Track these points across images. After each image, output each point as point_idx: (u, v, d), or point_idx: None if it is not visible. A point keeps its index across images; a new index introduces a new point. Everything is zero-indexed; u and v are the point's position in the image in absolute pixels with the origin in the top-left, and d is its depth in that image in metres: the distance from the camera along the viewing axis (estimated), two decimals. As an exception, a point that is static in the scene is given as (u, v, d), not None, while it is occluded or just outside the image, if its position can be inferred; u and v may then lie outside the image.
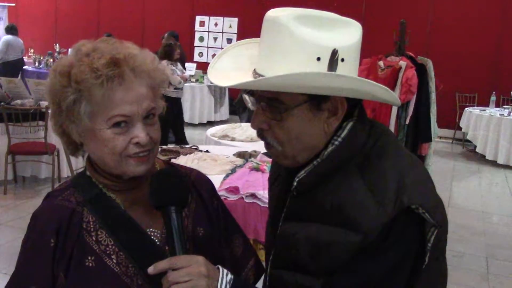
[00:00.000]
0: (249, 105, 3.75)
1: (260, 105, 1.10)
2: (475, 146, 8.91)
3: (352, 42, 1.05)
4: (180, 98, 7.76)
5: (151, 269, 1.00)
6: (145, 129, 1.09)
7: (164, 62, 7.25)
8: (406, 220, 1.02)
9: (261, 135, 1.13)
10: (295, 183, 1.14)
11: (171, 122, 7.52)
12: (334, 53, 1.02)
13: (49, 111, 1.14)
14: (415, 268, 1.06)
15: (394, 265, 1.04)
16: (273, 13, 1.05)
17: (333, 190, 1.08)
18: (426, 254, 1.05)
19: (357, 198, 1.04)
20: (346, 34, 1.05)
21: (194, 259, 1.01)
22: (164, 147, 4.16)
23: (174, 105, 7.52)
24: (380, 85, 1.05)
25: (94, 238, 1.11)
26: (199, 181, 1.30)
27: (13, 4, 13.29)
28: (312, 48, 1.01)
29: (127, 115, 1.07)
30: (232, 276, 1.05)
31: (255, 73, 1.08)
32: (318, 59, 1.01)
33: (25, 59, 11.92)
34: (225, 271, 1.05)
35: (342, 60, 1.03)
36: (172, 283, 0.98)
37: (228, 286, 1.03)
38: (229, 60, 1.18)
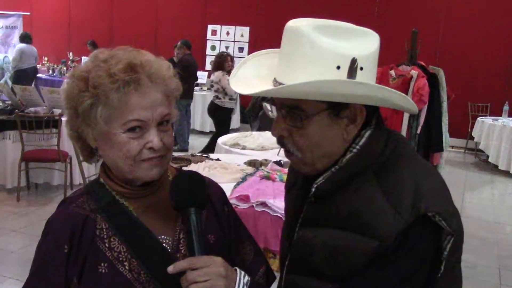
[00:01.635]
0: (269, 113, 3.74)
1: (281, 113, 1.11)
2: (488, 156, 8.81)
3: (370, 51, 1.07)
4: (233, 109, 7.64)
5: (170, 268, 1.02)
6: (159, 135, 1.10)
7: (219, 73, 7.26)
8: (423, 227, 1.03)
9: (281, 142, 1.14)
10: (313, 190, 1.15)
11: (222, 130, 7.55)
12: (354, 61, 1.04)
13: (63, 119, 1.17)
14: (430, 276, 1.06)
15: (409, 272, 1.04)
16: (293, 24, 1.07)
17: (351, 196, 1.09)
18: (442, 262, 1.05)
19: (374, 205, 1.05)
20: (364, 43, 1.07)
21: (212, 260, 1.03)
22: (174, 155, 4.14)
23: (227, 115, 7.53)
24: (399, 92, 1.07)
25: (107, 245, 1.12)
26: (211, 189, 1.31)
27: (28, 13, 13.48)
28: (332, 57, 1.03)
29: (142, 120, 1.08)
30: (249, 278, 1.07)
31: (275, 81, 1.10)
32: (338, 67, 1.03)
33: (39, 67, 12.07)
34: (243, 272, 1.07)
35: (361, 68, 1.05)
36: (190, 283, 1.00)
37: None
38: (250, 69, 1.21)
